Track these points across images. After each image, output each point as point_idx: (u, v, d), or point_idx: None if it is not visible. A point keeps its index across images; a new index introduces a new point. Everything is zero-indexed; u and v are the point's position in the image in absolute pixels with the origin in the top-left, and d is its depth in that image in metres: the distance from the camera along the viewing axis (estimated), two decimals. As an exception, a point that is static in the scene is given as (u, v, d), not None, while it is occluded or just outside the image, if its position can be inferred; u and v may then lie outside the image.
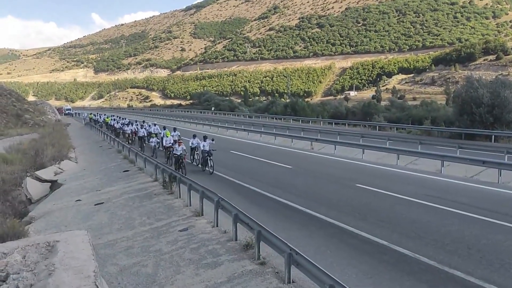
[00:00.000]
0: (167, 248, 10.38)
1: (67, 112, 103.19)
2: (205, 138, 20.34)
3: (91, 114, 67.89)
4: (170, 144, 22.22)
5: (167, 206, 14.16)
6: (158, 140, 26.12)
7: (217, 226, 11.29)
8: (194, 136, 22.21)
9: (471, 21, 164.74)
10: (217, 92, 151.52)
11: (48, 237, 6.45)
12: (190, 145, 21.65)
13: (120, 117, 47.63)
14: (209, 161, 19.23)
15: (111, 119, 46.16)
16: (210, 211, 11.88)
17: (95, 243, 8.18)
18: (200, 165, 20.86)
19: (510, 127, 29.44)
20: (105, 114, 60.70)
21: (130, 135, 32.47)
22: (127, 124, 35.83)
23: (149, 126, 31.83)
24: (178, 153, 19.28)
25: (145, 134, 29.62)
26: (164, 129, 26.19)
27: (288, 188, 14.72)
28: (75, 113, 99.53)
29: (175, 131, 25.64)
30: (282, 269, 7.86)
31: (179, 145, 19.65)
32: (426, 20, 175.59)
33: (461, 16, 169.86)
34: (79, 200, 17.60)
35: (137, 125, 32.72)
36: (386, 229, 10.29)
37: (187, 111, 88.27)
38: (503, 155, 19.36)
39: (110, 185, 19.35)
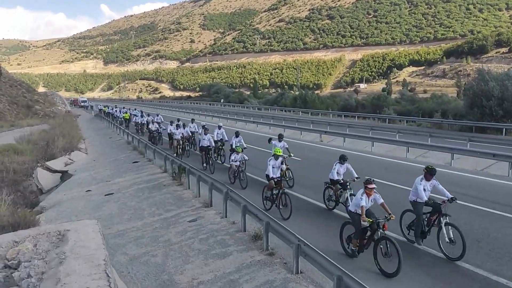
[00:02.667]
0: (176, 239, 10.46)
1: (82, 104, 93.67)
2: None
3: (105, 107, 60.38)
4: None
5: (176, 197, 14.24)
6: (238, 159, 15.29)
7: (226, 217, 11.35)
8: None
9: (484, 12, 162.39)
10: (226, 84, 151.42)
11: (59, 226, 6.53)
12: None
13: (141, 111, 39.85)
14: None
15: (135, 116, 38.58)
16: (219, 202, 11.94)
17: (105, 233, 8.27)
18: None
19: (522, 120, 29.10)
20: (123, 108, 52.18)
21: (181, 143, 21.67)
22: (171, 126, 23.57)
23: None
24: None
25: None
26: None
27: (297, 179, 14.67)
28: (91, 105, 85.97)
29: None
30: (290, 260, 7.90)
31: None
32: (438, 12, 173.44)
33: (474, 7, 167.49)
34: (89, 190, 17.77)
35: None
36: (394, 221, 10.23)
37: (197, 103, 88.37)
38: (515, 148, 19.14)
39: (120, 176, 19.49)
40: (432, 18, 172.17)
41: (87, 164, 25.41)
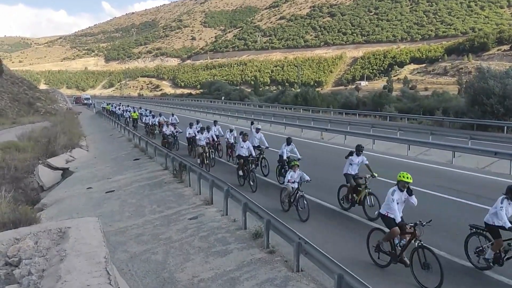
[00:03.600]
0: (177, 236, 10.46)
1: (86, 102, 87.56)
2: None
3: (108, 105, 56.56)
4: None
5: (177, 194, 14.25)
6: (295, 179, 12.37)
7: (226, 214, 11.35)
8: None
9: (485, 10, 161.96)
10: (227, 81, 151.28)
11: (59, 224, 6.53)
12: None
13: (149, 111, 36.69)
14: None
15: (146, 116, 33.51)
16: (220, 200, 11.94)
17: (106, 230, 8.28)
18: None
19: (523, 118, 29.08)
20: (128, 106, 49.42)
21: (207, 150, 17.60)
22: (196, 129, 19.94)
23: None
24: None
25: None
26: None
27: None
28: (94, 103, 78.06)
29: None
30: (291, 258, 7.89)
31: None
32: (439, 9, 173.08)
33: (475, 5, 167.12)
34: (90, 187, 17.79)
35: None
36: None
37: (198, 100, 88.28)
38: (516, 146, 19.12)
39: (121, 173, 19.50)
40: (433, 16, 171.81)
41: (88, 161, 25.43)
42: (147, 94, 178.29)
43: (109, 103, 59.24)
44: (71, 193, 17.65)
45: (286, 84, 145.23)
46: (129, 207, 13.84)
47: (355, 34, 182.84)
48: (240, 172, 14.49)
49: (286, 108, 56.05)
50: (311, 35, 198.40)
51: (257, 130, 16.78)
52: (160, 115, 31.37)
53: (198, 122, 21.56)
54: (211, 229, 10.45)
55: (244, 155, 14.56)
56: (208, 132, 19.03)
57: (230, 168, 17.30)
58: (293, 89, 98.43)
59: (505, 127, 27.50)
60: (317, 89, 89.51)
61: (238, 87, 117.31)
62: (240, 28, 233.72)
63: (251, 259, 8.46)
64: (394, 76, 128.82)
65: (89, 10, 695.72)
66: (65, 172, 23.17)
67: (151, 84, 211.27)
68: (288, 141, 13.89)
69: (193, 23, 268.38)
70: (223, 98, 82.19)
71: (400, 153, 20.17)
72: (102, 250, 5.28)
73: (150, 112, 34.70)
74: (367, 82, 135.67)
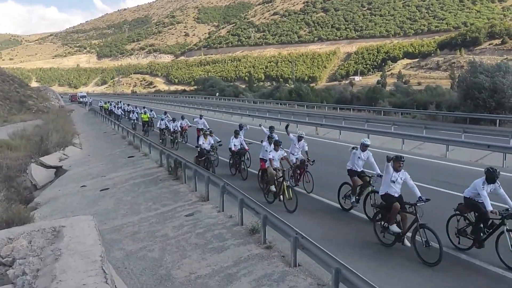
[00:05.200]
0: (173, 233, 10.41)
1: (81, 100, 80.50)
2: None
3: (106, 103, 50.71)
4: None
5: (173, 191, 14.18)
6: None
7: (222, 211, 11.32)
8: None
9: (477, 4, 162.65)
10: (221, 77, 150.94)
11: (54, 223, 6.46)
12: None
13: (164, 111, 27.84)
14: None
15: (161, 119, 24.74)
16: (216, 196, 11.89)
17: (101, 229, 8.20)
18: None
19: (514, 111, 29.33)
20: (128, 105, 44.19)
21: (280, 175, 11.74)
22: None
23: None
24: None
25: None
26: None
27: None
28: (90, 101, 69.71)
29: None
30: (288, 253, 7.89)
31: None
32: (432, 4, 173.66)
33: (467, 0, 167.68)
34: (84, 186, 17.66)
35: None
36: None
37: (192, 97, 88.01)
38: (508, 139, 19.33)
39: (115, 171, 19.38)
40: (426, 11, 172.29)
41: (81, 159, 25.26)
42: (141, 91, 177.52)
43: (107, 102, 52.69)
44: (65, 192, 17.52)
45: (281, 80, 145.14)
46: (124, 204, 13.76)
47: (349, 30, 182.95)
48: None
49: (280, 104, 56.01)
50: (304, 31, 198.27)
51: (300, 138, 13.04)
52: (182, 118, 24.29)
53: (272, 131, 14.27)
54: (207, 226, 10.41)
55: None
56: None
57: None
58: (287, 85, 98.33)
59: (497, 120, 27.74)
60: (311, 85, 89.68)
61: (232, 83, 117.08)
62: (234, 24, 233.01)
63: (248, 255, 8.43)
64: (388, 71, 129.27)
65: (81, 7, 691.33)
66: (59, 171, 22.99)
67: (144, 81, 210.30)
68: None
69: (186, 19, 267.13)
70: (217, 94, 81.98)
71: (394, 147, 20.22)
72: (97, 249, 5.23)
73: (166, 113, 26.14)
74: (361, 77, 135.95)
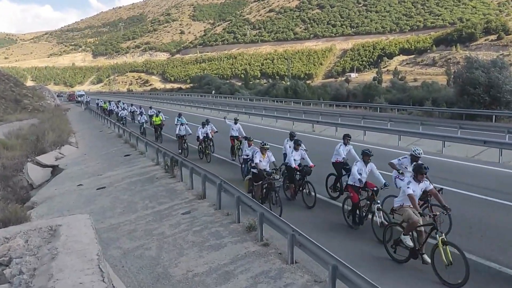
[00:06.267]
0: (170, 231, 10.41)
1: (80, 99, 74.81)
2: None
3: (105, 103, 47.07)
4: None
5: (169, 189, 14.17)
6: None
7: (219, 208, 11.32)
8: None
9: (473, 0, 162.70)
10: (217, 75, 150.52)
11: (50, 222, 6.45)
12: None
13: (178, 114, 23.53)
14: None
15: (180, 123, 20.99)
16: (213, 194, 11.89)
17: (97, 227, 8.20)
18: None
19: (510, 107, 29.44)
20: (132, 105, 39.62)
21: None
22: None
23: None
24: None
25: None
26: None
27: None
28: (87, 101, 66.24)
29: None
30: (285, 250, 7.90)
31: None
32: (427, 0, 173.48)
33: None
34: (81, 184, 17.62)
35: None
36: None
37: (188, 95, 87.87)
38: (504, 134, 19.41)
39: (112, 170, 19.35)
40: (422, 7, 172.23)
41: (78, 158, 25.20)
42: (137, 89, 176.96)
43: (106, 101, 49.37)
44: (61, 191, 17.48)
45: (277, 77, 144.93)
46: (121, 203, 13.74)
47: (344, 26, 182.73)
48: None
49: (277, 101, 56.05)
50: (300, 28, 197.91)
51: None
52: (207, 122, 19.35)
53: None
54: (204, 224, 10.42)
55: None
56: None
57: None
58: (283, 82, 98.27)
59: (493, 116, 27.84)
60: (307, 82, 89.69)
61: (228, 81, 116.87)
62: (229, 22, 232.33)
63: (245, 252, 8.45)
64: (384, 67, 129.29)
65: (76, 5, 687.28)
66: (55, 170, 22.94)
67: (140, 79, 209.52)
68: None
69: (182, 16, 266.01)
70: (213, 92, 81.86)
71: (391, 144, 20.29)
72: (94, 247, 5.23)
73: (180, 115, 22.84)
74: (357, 74, 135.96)
